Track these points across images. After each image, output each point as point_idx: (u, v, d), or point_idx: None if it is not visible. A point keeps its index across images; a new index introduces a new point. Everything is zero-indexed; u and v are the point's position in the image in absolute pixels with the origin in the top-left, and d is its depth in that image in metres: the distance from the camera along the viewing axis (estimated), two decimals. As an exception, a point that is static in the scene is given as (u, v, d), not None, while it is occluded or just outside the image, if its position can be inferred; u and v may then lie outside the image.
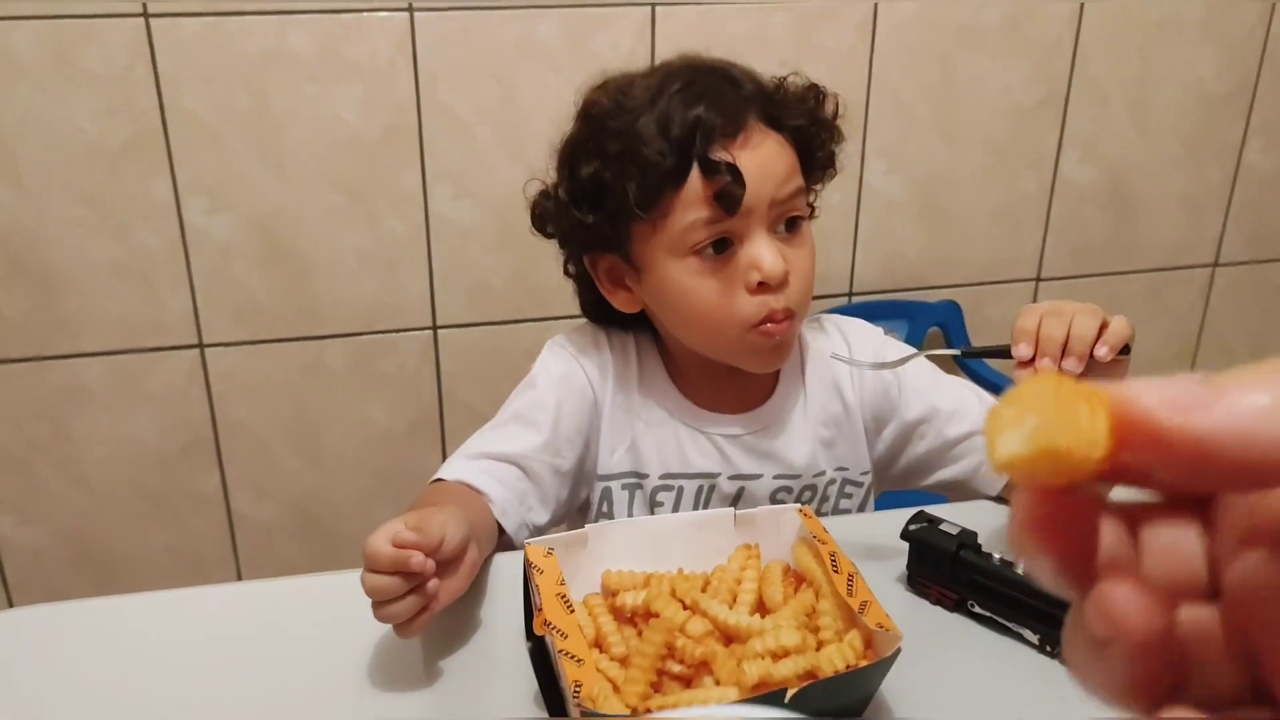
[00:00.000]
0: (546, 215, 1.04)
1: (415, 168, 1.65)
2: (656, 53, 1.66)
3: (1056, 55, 1.83)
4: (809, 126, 1.00)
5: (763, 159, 0.94)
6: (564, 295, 1.76)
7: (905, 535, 0.89)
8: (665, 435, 1.08)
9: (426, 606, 0.79)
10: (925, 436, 1.09)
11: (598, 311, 1.10)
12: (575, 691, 0.68)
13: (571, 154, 1.01)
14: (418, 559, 0.76)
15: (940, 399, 1.09)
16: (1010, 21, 1.79)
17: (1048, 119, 1.88)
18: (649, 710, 0.71)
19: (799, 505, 0.87)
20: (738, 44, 1.68)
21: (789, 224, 0.98)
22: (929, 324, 1.90)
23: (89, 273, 1.59)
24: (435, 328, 1.75)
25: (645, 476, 1.07)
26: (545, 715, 0.76)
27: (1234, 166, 2.00)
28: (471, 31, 1.60)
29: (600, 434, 1.08)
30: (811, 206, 1.03)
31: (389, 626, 0.81)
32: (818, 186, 1.04)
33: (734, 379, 1.05)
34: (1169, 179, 1.98)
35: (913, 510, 0.92)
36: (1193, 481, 0.24)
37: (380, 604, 0.78)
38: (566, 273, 1.09)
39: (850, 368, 1.09)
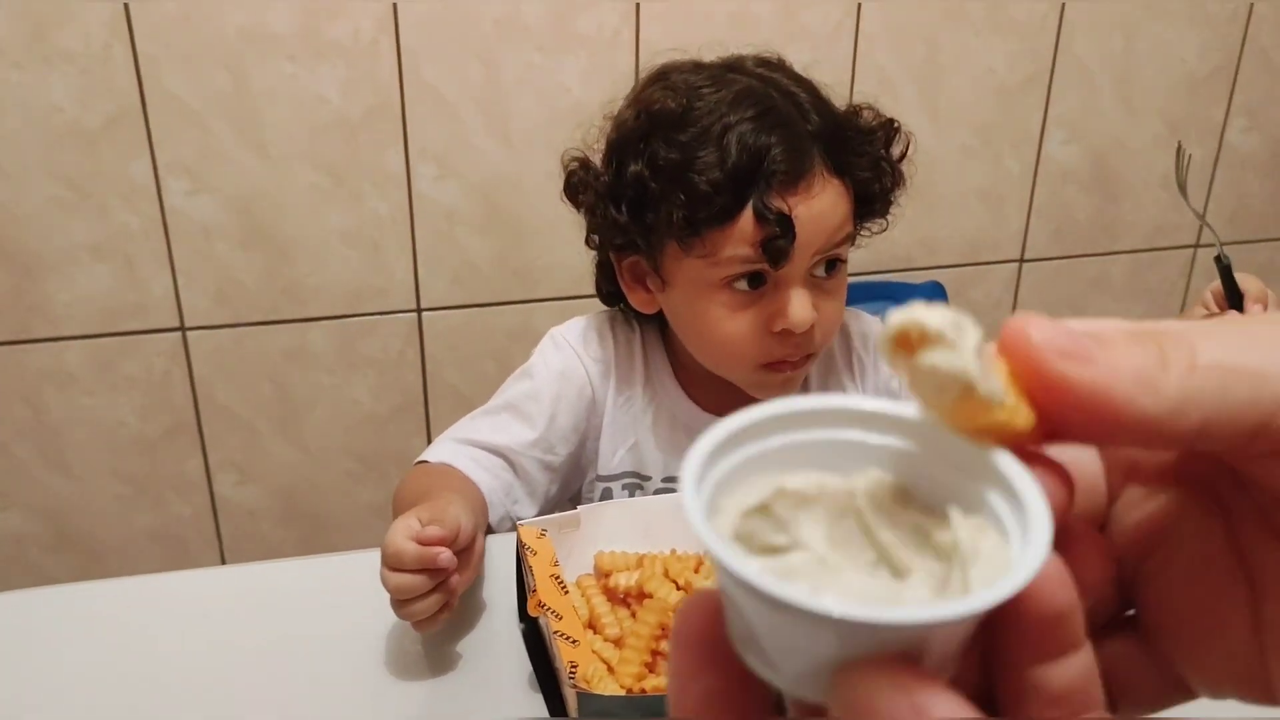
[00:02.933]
0: (582, 189, 1.00)
1: (398, 148, 1.64)
2: (641, 35, 1.65)
3: (1041, 35, 1.83)
4: (871, 174, 0.95)
5: (818, 210, 0.90)
6: (550, 277, 1.76)
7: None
8: (670, 438, 1.05)
9: (448, 602, 0.78)
10: None
11: (610, 296, 1.07)
12: (571, 673, 0.68)
13: (621, 147, 0.95)
14: (445, 556, 0.75)
15: None
16: (995, 1, 1.79)
17: (1032, 99, 1.88)
18: (644, 691, 0.71)
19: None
20: (723, 24, 1.68)
21: (828, 265, 0.95)
22: (913, 305, 1.90)
23: (68, 254, 1.57)
24: (420, 310, 1.74)
25: (648, 479, 1.05)
26: (539, 696, 0.76)
27: (1216, 147, 2.01)
28: (455, 10, 1.58)
29: (601, 433, 1.05)
30: (853, 238, 1.00)
31: (376, 609, 0.81)
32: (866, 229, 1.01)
33: (739, 387, 1.02)
34: (1152, 159, 1.98)
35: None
36: (1084, 434, 0.24)
37: (404, 602, 0.76)
38: (589, 244, 1.05)
39: (855, 370, 1.08)
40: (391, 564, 0.76)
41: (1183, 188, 0.86)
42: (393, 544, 0.75)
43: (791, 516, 0.26)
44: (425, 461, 1.00)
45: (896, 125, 0.99)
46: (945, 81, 1.82)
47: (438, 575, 0.76)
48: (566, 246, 1.74)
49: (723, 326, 0.94)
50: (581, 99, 1.67)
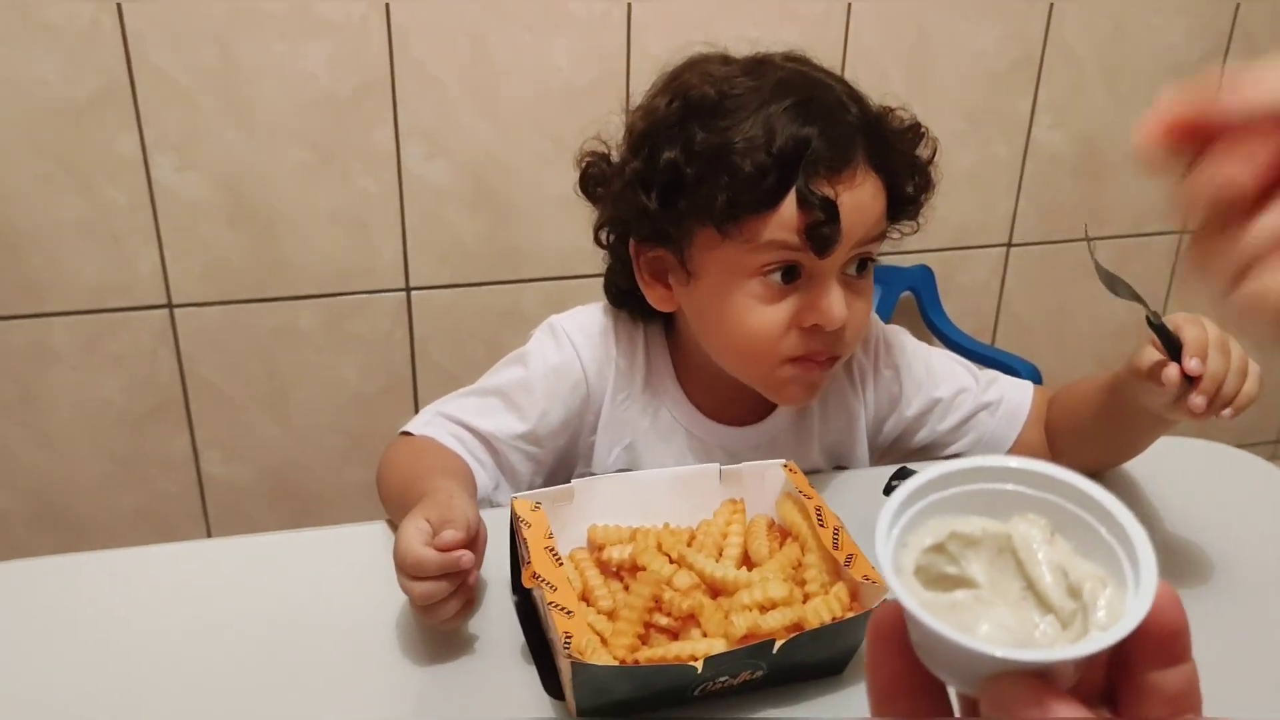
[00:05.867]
0: (601, 182, 0.97)
1: (388, 126, 1.63)
2: (632, 15, 1.65)
3: (1030, 19, 1.84)
4: (905, 174, 0.93)
5: (859, 200, 0.88)
6: (539, 257, 1.76)
7: (888, 490, 0.89)
8: (668, 441, 1.04)
9: (470, 599, 0.78)
10: (926, 425, 1.08)
11: (621, 296, 1.03)
12: (565, 643, 0.68)
13: (653, 134, 0.92)
14: (466, 557, 0.74)
15: (938, 388, 1.07)
16: (985, -15, 1.79)
17: (1021, 84, 1.88)
18: (636, 662, 0.71)
19: (784, 461, 0.87)
20: (713, 6, 1.68)
21: (860, 265, 0.93)
22: (902, 289, 1.91)
23: (54, 231, 1.56)
24: (408, 289, 1.73)
25: None
26: (532, 668, 0.76)
27: (1203, 134, 2.02)
28: (445, -12, 1.58)
29: (596, 431, 1.03)
30: (885, 237, 0.98)
31: (364, 583, 0.81)
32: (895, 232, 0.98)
33: (744, 390, 0.99)
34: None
35: (896, 467, 0.92)
36: None
37: (429, 608, 0.76)
38: (598, 243, 1.01)
39: (856, 376, 1.08)
40: (412, 573, 0.75)
41: (1099, 267, 0.87)
42: (411, 553, 0.74)
43: (961, 553, 0.35)
44: (409, 433, 0.99)
45: (924, 129, 0.97)
46: (934, 65, 1.82)
47: (459, 577, 0.75)
48: (555, 227, 1.74)
49: (752, 318, 0.91)
50: (571, 79, 1.67)
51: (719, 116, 0.88)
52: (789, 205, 0.86)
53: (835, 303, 0.89)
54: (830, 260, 0.88)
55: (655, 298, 0.98)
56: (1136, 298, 0.85)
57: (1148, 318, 0.84)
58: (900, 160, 0.93)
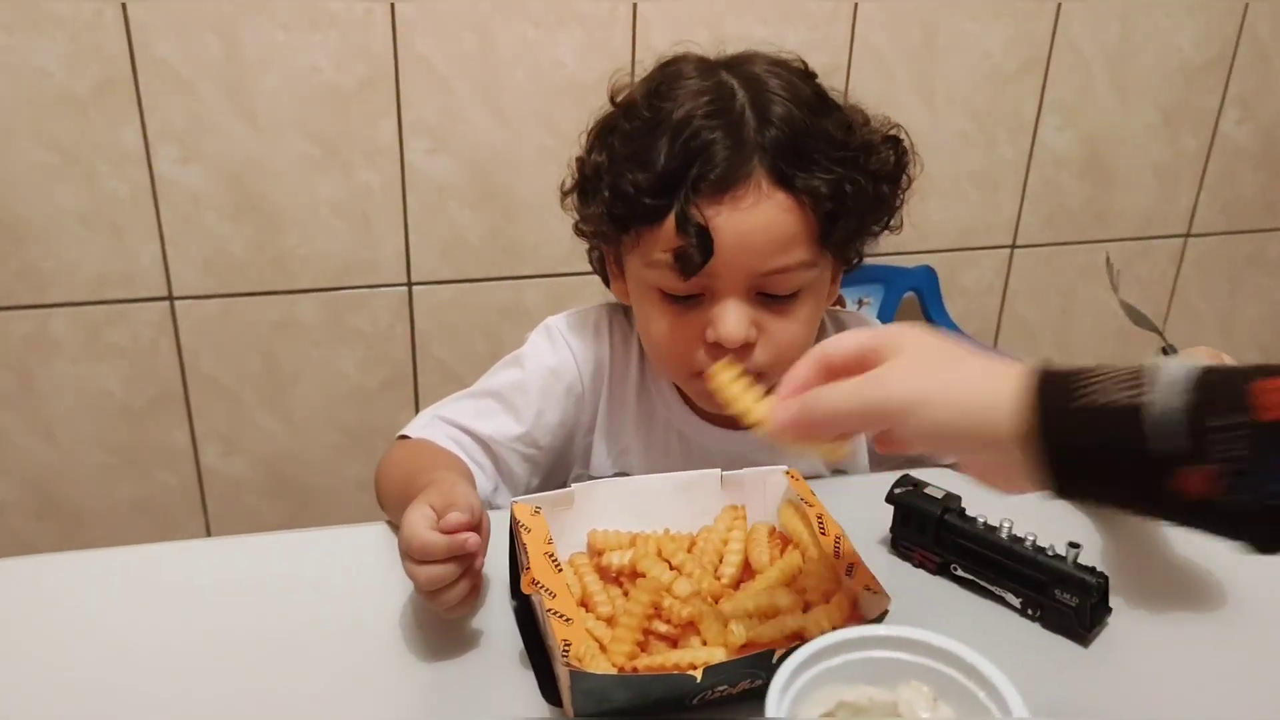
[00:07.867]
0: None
1: (391, 120, 1.63)
2: (638, 12, 1.64)
3: (1038, 20, 1.83)
4: (828, 196, 0.85)
5: (751, 226, 0.84)
6: (540, 254, 1.75)
7: (890, 498, 0.89)
8: (662, 442, 1.03)
9: (475, 584, 0.77)
10: None
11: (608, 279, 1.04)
12: (564, 651, 0.67)
13: (593, 133, 0.93)
14: (472, 540, 0.73)
15: None
16: (993, -15, 1.78)
17: (1028, 85, 1.88)
18: (635, 670, 0.71)
19: (786, 467, 0.87)
20: (720, 4, 1.67)
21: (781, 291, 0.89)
22: (905, 289, 1.90)
23: (56, 221, 1.56)
24: (410, 284, 1.73)
25: None
26: (530, 673, 0.76)
27: (1209, 137, 2.01)
28: (451, -18, 1.57)
29: (592, 431, 1.03)
30: (859, 254, 0.95)
31: (363, 585, 0.81)
32: (859, 244, 0.94)
33: None
34: (1145, 148, 1.98)
35: (898, 474, 0.92)
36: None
37: (436, 593, 0.75)
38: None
39: None
40: (419, 557, 0.74)
41: (1122, 302, 0.87)
42: (417, 538, 0.74)
43: None
44: (406, 436, 0.99)
45: (900, 143, 0.93)
46: (941, 66, 1.82)
47: (465, 561, 0.75)
48: (557, 223, 1.71)
49: (657, 326, 0.91)
50: (576, 75, 1.66)
51: (632, 121, 0.88)
52: (670, 223, 0.85)
53: (728, 321, 0.86)
54: (722, 283, 0.86)
55: (615, 290, 1.00)
56: (1155, 330, 0.85)
57: (1163, 349, 0.84)
58: (823, 185, 0.86)
